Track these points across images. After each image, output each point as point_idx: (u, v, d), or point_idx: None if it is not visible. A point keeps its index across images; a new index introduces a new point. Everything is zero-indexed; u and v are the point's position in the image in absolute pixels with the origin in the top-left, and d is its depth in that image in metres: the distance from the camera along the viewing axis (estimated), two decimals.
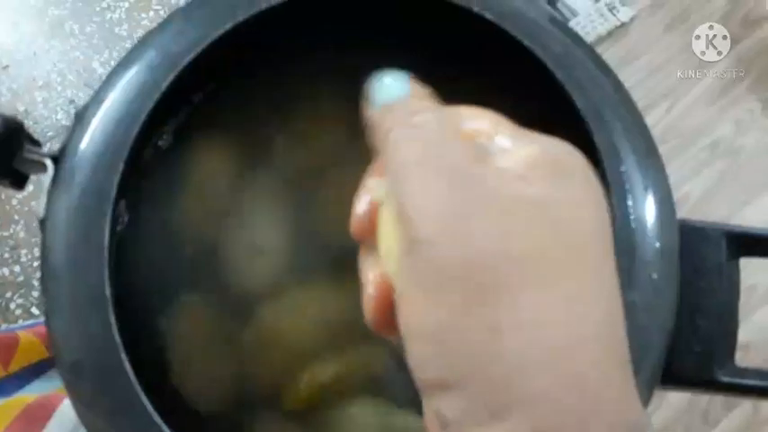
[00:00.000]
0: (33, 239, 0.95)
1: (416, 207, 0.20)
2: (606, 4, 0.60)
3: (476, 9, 0.39)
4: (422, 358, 0.20)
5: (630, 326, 0.33)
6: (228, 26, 0.38)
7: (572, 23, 0.55)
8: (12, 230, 0.94)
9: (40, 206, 0.38)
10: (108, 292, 0.35)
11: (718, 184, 0.53)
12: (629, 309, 0.34)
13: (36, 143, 0.40)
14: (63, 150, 0.38)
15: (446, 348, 0.19)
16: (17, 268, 0.93)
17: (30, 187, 1.02)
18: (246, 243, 0.44)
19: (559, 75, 0.38)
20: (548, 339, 0.18)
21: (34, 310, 0.95)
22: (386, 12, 0.42)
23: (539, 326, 0.18)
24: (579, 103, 0.38)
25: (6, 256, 0.93)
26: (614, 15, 0.60)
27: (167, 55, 0.38)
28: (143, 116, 0.37)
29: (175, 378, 0.42)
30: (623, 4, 0.60)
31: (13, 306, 0.93)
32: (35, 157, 0.38)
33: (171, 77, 0.37)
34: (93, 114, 0.38)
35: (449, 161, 0.20)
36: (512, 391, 0.18)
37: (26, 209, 0.95)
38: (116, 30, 0.93)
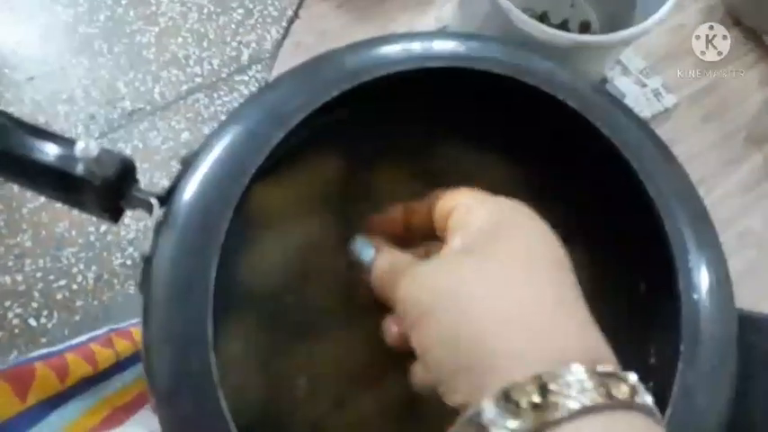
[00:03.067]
0: (39, 250, 0.95)
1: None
2: (652, 90, 0.64)
3: (560, 97, 0.43)
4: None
5: (690, 408, 0.37)
6: (335, 93, 0.41)
7: None
8: (19, 239, 0.93)
9: (145, 243, 0.40)
10: (210, 332, 0.37)
11: (745, 274, 0.57)
12: (691, 391, 0.37)
13: (137, 181, 0.42)
14: (170, 192, 0.40)
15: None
16: (19, 277, 0.92)
17: (41, 198, 1.02)
18: (315, 285, 0.46)
19: (635, 165, 0.41)
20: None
21: (32, 322, 0.94)
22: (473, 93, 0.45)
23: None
24: (651, 192, 0.41)
25: (10, 264, 0.92)
26: (659, 101, 0.64)
27: (277, 115, 0.41)
28: (252, 169, 0.39)
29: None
30: (668, 91, 0.65)
31: (10, 315, 0.92)
32: (143, 196, 0.41)
33: (281, 136, 0.40)
34: (202, 161, 0.40)
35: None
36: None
37: (35, 218, 0.94)
38: (144, 52, 0.95)
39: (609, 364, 0.27)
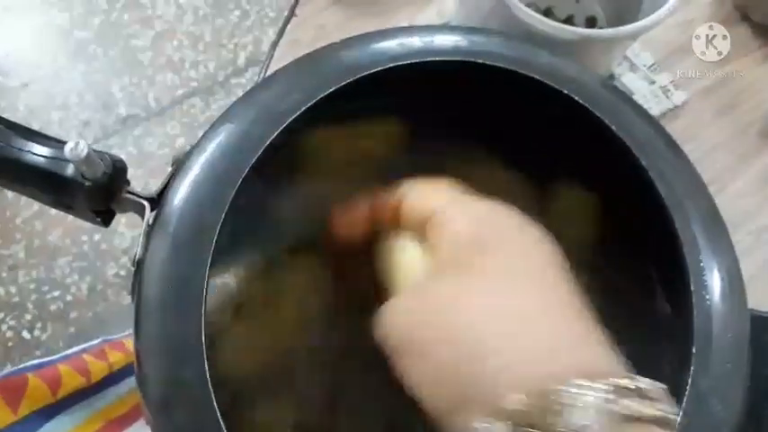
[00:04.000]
0: (32, 261, 0.93)
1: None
2: (661, 87, 0.63)
3: (565, 91, 0.41)
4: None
5: (703, 413, 0.36)
6: (330, 89, 0.40)
7: None
8: (12, 250, 0.92)
9: (137, 247, 0.38)
10: (203, 338, 0.35)
11: (761, 272, 0.55)
12: (704, 395, 0.36)
13: (128, 183, 0.41)
14: (162, 194, 0.39)
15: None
16: (13, 289, 0.91)
17: (34, 206, 1.01)
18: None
19: (645, 163, 0.40)
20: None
21: (25, 334, 0.93)
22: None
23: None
24: (662, 191, 0.39)
25: (4, 275, 0.91)
26: (668, 98, 0.63)
27: (271, 113, 0.39)
28: (245, 169, 0.38)
29: None
30: (677, 88, 0.63)
31: (4, 328, 0.91)
32: (134, 198, 0.39)
33: (274, 134, 0.38)
34: (195, 162, 0.39)
35: None
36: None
37: (29, 228, 0.93)
38: (139, 56, 0.94)
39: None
